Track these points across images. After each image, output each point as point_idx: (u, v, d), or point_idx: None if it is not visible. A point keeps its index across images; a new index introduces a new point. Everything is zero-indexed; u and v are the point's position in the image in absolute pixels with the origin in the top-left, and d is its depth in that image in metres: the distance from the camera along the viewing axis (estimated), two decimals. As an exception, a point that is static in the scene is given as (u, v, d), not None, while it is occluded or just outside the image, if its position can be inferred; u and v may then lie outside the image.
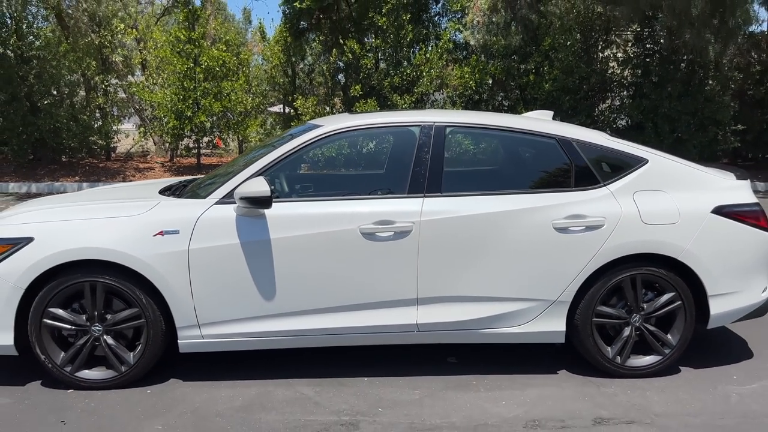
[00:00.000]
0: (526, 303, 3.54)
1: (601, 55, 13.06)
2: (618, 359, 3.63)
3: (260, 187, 3.29)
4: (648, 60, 12.98)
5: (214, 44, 13.12)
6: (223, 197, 3.46)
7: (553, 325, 3.59)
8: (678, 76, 12.58)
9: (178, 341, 3.46)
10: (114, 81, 14.06)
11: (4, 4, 11.21)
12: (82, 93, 13.68)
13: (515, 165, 4.08)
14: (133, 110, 15.08)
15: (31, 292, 3.34)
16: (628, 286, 3.57)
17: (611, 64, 13.32)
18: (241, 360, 3.77)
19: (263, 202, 3.31)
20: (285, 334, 3.50)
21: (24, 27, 12.40)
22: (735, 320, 3.80)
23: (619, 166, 3.70)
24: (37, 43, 12.12)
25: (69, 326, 3.41)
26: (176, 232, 3.37)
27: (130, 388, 3.45)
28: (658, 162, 3.74)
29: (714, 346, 4.15)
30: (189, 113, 12.12)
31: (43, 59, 12.16)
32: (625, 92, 13.35)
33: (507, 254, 3.49)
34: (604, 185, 3.61)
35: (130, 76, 14.92)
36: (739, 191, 3.79)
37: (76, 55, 12.50)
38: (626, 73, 13.17)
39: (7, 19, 12.03)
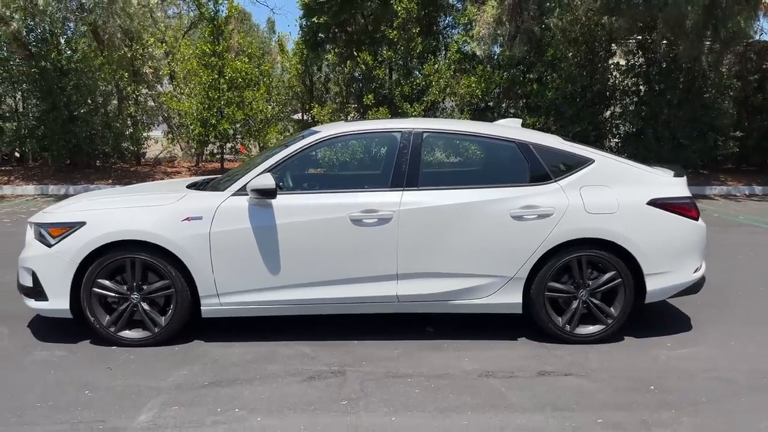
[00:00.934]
0: (488, 279, 4.24)
1: (603, 64, 13.61)
2: (567, 327, 4.30)
3: (267, 181, 4.05)
4: (648, 69, 13.53)
5: (237, 56, 14.01)
6: (238, 190, 4.22)
7: (512, 298, 4.28)
8: (677, 84, 13.11)
9: (201, 308, 4.22)
10: (144, 91, 15.04)
11: (47, 21, 12.21)
12: (115, 102, 14.66)
13: (481, 164, 4.80)
14: (161, 118, 16.04)
15: (83, 266, 4.13)
16: (575, 265, 4.24)
17: (614, 73, 13.87)
18: (253, 324, 4.52)
19: (269, 193, 4.07)
20: (288, 303, 4.24)
21: (63, 42, 13.41)
22: (670, 296, 4.46)
23: (569, 165, 4.38)
24: (75, 56, 13.09)
25: (113, 294, 4.18)
26: (200, 218, 4.14)
27: (162, 346, 4.21)
28: (603, 162, 4.41)
29: (659, 321, 4.80)
30: (213, 121, 13.01)
31: (80, 71, 13.14)
32: (627, 100, 13.90)
33: (472, 237, 4.19)
34: (555, 181, 4.30)
35: (158, 86, 15.88)
36: (674, 186, 4.44)
37: (111, 67, 13.48)
38: (627, 81, 13.72)
39: (48, 35, 13.05)
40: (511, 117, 13.24)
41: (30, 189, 12.56)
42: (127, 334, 4.24)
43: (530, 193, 4.25)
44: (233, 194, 4.22)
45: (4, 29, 11.66)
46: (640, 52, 13.64)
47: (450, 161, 5.30)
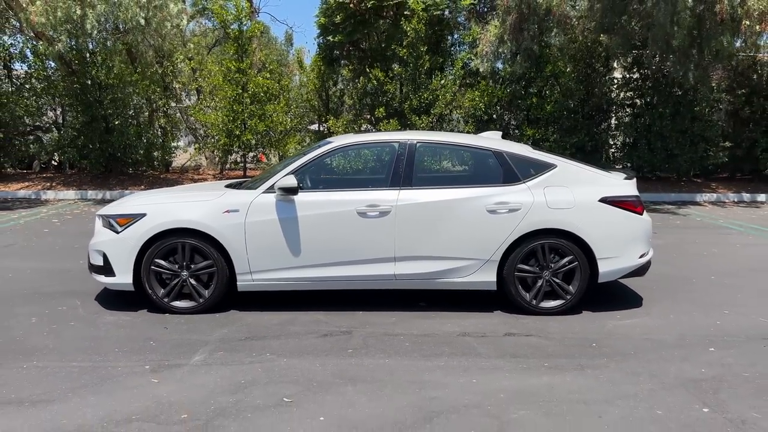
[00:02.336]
0: (468, 261, 5.22)
1: (600, 79, 14.54)
2: (534, 302, 5.26)
3: (290, 181, 5.09)
4: (643, 83, 14.45)
5: (259, 72, 15.16)
6: (267, 189, 5.26)
7: (488, 277, 5.25)
8: (669, 98, 14.02)
9: (237, 283, 5.25)
10: (173, 104, 16.24)
11: (89, 41, 13.46)
12: (146, 114, 15.85)
13: (463, 168, 5.78)
14: (188, 129, 17.23)
15: (144, 248, 5.18)
16: (539, 250, 5.21)
17: (611, 88, 14.79)
18: (278, 298, 5.55)
19: (292, 191, 5.10)
20: (306, 280, 5.26)
21: (100, 60, 14.62)
22: (619, 277, 5.40)
23: (536, 169, 5.35)
24: (112, 73, 14.30)
25: (167, 271, 5.23)
26: (237, 210, 5.18)
27: (205, 314, 5.25)
28: (564, 167, 5.39)
29: (614, 300, 5.73)
30: (237, 132, 14.15)
31: (116, 86, 14.35)
32: (622, 112, 14.82)
33: (455, 227, 5.18)
34: (523, 182, 5.28)
35: (186, 101, 17.09)
36: (623, 187, 5.41)
37: (143, 83, 14.68)
38: (622, 95, 14.64)
39: (88, 54, 14.28)
40: (513, 128, 14.24)
41: (70, 194, 13.75)
42: (177, 303, 5.28)
43: (503, 192, 5.24)
44: (263, 192, 5.26)
45: (50, 49, 12.89)
46: (635, 68, 14.57)
47: (438, 166, 6.30)
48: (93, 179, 14.82)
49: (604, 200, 5.25)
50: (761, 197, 13.87)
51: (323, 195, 5.31)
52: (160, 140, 15.56)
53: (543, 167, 5.37)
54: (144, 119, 15.56)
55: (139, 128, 14.97)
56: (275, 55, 20.85)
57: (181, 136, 17.56)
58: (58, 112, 16.04)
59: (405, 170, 5.30)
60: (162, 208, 5.30)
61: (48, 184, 14.51)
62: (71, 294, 5.86)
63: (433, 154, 5.99)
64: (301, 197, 5.19)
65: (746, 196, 13.97)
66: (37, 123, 15.90)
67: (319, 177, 5.66)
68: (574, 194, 5.24)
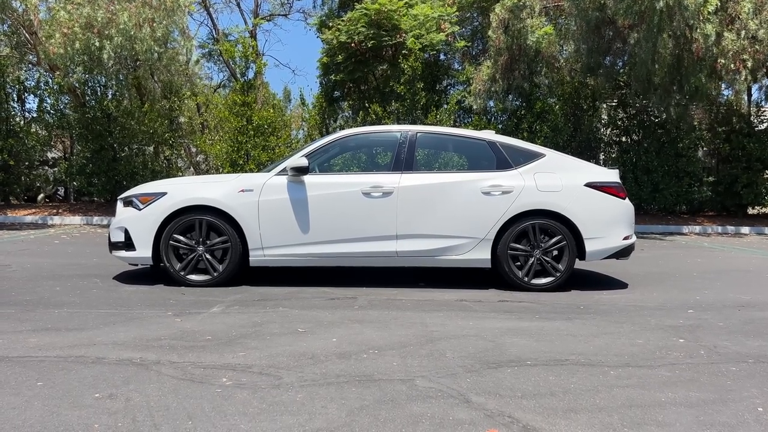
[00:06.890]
0: (464, 240, 5.63)
1: (587, 116, 15.30)
2: (526, 279, 5.64)
3: (302, 161, 5.56)
4: (628, 121, 15.21)
5: (263, 106, 15.85)
6: (280, 171, 5.71)
7: (483, 255, 5.66)
8: (654, 135, 14.74)
9: (249, 258, 5.63)
10: (178, 138, 16.86)
11: (103, 74, 14.17)
12: (152, 146, 16.42)
13: (460, 156, 6.27)
14: (190, 163, 17.79)
15: (163, 225, 5.58)
16: (530, 230, 5.64)
17: (597, 125, 15.54)
18: (286, 276, 5.90)
19: (303, 170, 5.56)
20: (314, 256, 5.64)
21: (110, 94, 15.33)
22: (604, 257, 5.81)
23: (527, 157, 5.85)
24: (122, 106, 14.97)
25: (185, 246, 5.61)
26: (251, 190, 5.62)
27: (219, 287, 5.60)
28: (552, 156, 5.90)
29: (602, 283, 6.13)
30: (241, 162, 14.70)
31: (125, 118, 14.98)
32: (608, 149, 15.52)
33: (453, 208, 5.62)
34: (515, 168, 5.77)
35: (188, 142, 17.73)
36: (607, 174, 5.89)
37: (151, 115, 15.32)
38: (609, 132, 15.38)
39: (99, 87, 15.00)
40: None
41: (76, 219, 14.12)
42: (193, 277, 5.63)
43: (496, 176, 5.71)
44: (276, 174, 5.71)
45: (65, 80, 13.54)
46: (620, 108, 15.36)
47: (437, 154, 6.79)
48: (98, 207, 15.23)
49: (589, 185, 5.72)
50: (745, 230, 14.40)
51: (331, 177, 5.77)
52: (165, 171, 16.06)
53: (533, 156, 5.87)
54: (150, 151, 16.10)
55: (145, 158, 15.50)
56: (278, 107, 21.64)
57: (185, 168, 18.09)
58: (67, 144, 16.60)
59: (407, 156, 5.78)
60: (182, 187, 5.73)
61: (54, 211, 14.90)
62: (89, 276, 6.20)
63: (432, 143, 6.48)
64: (310, 179, 5.64)
65: (731, 229, 14.49)
66: (44, 158, 16.43)
67: (328, 161, 6.13)
68: (562, 179, 5.71)
